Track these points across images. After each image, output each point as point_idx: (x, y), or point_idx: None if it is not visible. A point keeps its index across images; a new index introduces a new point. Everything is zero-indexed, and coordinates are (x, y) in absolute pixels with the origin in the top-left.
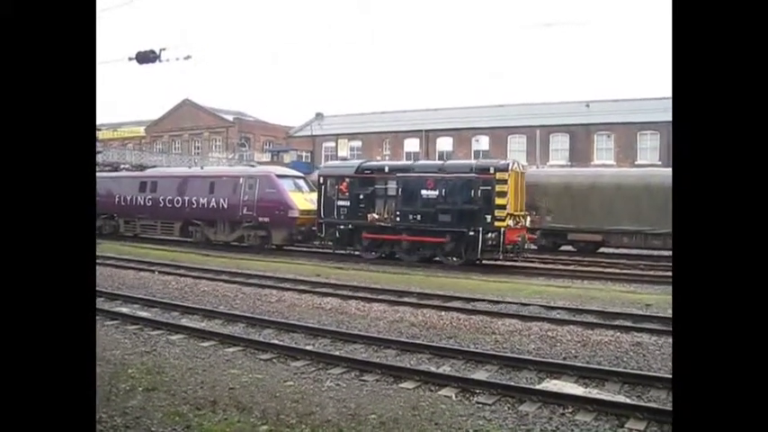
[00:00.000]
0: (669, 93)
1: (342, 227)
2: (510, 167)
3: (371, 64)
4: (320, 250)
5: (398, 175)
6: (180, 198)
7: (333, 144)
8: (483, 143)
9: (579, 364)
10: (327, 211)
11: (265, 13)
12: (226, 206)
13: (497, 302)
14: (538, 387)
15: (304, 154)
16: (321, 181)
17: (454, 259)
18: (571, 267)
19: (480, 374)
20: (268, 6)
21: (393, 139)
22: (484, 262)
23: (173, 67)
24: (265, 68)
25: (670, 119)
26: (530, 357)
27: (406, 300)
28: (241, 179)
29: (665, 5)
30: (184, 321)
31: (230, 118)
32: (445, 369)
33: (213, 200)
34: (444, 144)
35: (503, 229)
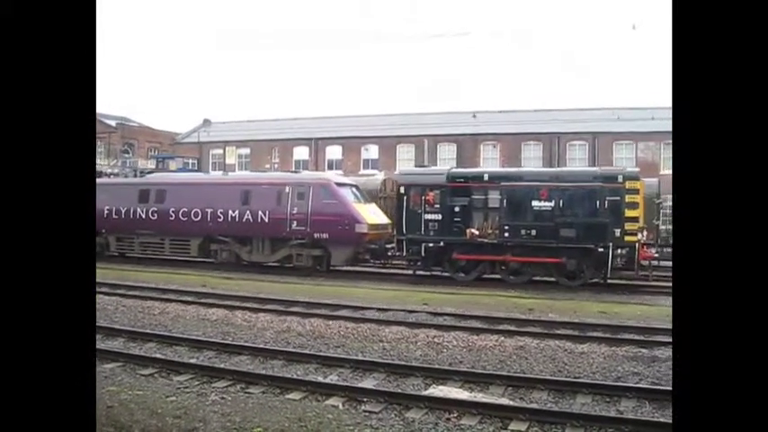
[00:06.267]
0: (553, 104)
1: (431, 244)
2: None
3: (260, 70)
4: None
5: (503, 184)
6: (200, 210)
7: (221, 151)
8: (372, 152)
9: (464, 369)
10: (411, 226)
11: (147, 13)
12: (266, 220)
13: (385, 310)
14: (424, 393)
15: (191, 161)
16: (402, 191)
17: (566, 280)
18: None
19: (367, 383)
20: (151, 6)
21: (282, 146)
22: (609, 281)
23: None
24: (150, 72)
25: (553, 130)
26: (416, 364)
27: (293, 309)
28: (287, 187)
29: (545, 19)
30: None
31: (113, 123)
32: (332, 378)
33: (248, 212)
34: (334, 153)
35: (636, 245)
